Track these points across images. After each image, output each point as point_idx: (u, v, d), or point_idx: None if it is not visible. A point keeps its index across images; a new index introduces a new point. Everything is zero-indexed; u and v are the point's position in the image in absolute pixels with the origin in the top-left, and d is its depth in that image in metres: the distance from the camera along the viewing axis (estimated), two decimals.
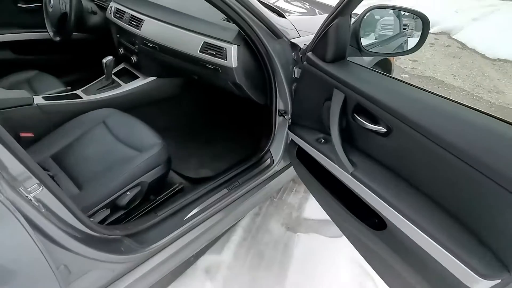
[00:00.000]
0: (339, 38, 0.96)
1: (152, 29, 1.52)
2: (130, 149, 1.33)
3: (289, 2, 1.90)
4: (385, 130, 0.85)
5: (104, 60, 1.60)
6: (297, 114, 1.32)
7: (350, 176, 0.93)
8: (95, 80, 1.80)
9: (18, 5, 1.97)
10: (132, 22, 1.61)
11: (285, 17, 1.35)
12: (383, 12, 1.20)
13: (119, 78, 1.77)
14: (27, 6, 2.00)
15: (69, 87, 1.71)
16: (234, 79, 1.32)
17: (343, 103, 0.96)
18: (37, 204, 0.79)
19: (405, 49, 1.20)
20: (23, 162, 0.76)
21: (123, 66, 1.86)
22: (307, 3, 1.95)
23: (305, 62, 1.12)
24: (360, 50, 1.02)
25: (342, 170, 0.96)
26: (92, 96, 1.61)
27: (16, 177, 0.76)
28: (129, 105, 1.72)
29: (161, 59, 1.57)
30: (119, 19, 1.70)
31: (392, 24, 1.28)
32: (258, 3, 1.22)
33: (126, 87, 1.70)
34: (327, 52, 0.99)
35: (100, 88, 1.67)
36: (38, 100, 1.46)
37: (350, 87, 0.93)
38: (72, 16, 1.64)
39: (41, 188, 0.79)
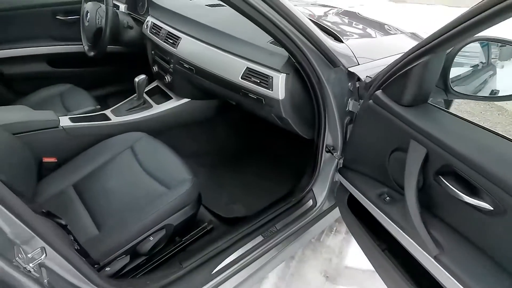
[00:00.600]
0: (425, 79, 0.75)
1: (190, 49, 1.38)
2: (158, 183, 1.18)
3: (324, 19, 1.71)
4: (491, 208, 0.63)
5: (136, 79, 1.48)
6: (351, 157, 1.11)
7: (433, 260, 0.70)
8: (129, 94, 1.72)
9: (57, 17, 1.92)
10: (169, 40, 1.48)
11: (342, 41, 1.15)
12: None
13: (150, 98, 1.65)
14: (65, 18, 1.95)
15: (99, 106, 1.61)
16: (280, 112, 1.13)
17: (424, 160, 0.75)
18: (37, 275, 0.64)
19: (496, 88, 0.97)
20: (24, 221, 0.62)
21: (156, 84, 1.74)
22: (345, 17, 1.74)
23: (370, 101, 0.92)
24: (448, 91, 0.81)
25: (420, 248, 0.74)
26: (121, 118, 1.49)
27: (14, 240, 0.62)
28: (160, 128, 1.60)
29: (197, 81, 1.42)
30: (155, 35, 1.58)
31: (477, 52, 1.05)
32: (312, 24, 1.03)
33: (157, 109, 1.57)
34: (405, 94, 0.78)
35: (130, 109, 1.55)
36: (64, 121, 1.35)
37: (437, 142, 0.71)
38: (107, 31, 1.54)
39: (44, 255, 0.64)
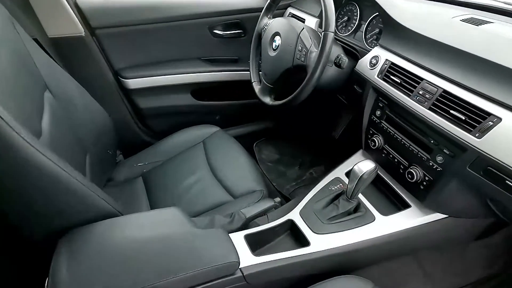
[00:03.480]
0: None
1: None
2: None
3: None
4: None
5: (358, 169, 0.78)
6: None
7: None
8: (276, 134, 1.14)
9: (215, 31, 1.35)
10: (447, 111, 0.73)
11: None
12: None
13: (365, 197, 0.93)
14: (224, 33, 1.36)
15: (278, 199, 0.96)
16: None
17: None
18: None
19: None
20: None
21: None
22: None
23: None
24: None
25: None
26: (325, 239, 0.81)
27: None
28: (383, 256, 0.89)
29: None
30: (398, 89, 0.85)
31: None
32: None
33: (386, 225, 0.85)
34: None
35: (335, 218, 0.86)
36: (246, 259, 0.72)
37: None
38: (317, 76, 0.87)
39: None
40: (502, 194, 0.65)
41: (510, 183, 0.63)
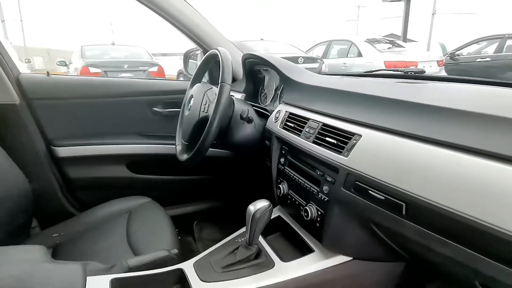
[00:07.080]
0: None
1: (386, 157, 0.60)
2: None
3: None
4: None
5: (250, 209, 0.74)
6: None
7: None
8: (222, 216, 1.17)
9: (154, 108, 1.46)
10: (325, 140, 0.75)
11: None
12: None
13: (270, 243, 0.86)
14: (163, 111, 1.47)
15: (175, 251, 0.87)
16: None
17: None
18: None
19: None
20: None
21: (278, 215, 0.97)
22: None
23: None
24: None
25: None
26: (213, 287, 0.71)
27: None
28: None
29: (409, 235, 0.60)
30: (292, 131, 0.90)
31: None
32: None
33: (284, 271, 0.75)
34: None
35: (231, 264, 0.77)
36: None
37: None
38: (216, 122, 0.92)
39: None
40: (374, 211, 0.62)
41: (372, 193, 0.61)
